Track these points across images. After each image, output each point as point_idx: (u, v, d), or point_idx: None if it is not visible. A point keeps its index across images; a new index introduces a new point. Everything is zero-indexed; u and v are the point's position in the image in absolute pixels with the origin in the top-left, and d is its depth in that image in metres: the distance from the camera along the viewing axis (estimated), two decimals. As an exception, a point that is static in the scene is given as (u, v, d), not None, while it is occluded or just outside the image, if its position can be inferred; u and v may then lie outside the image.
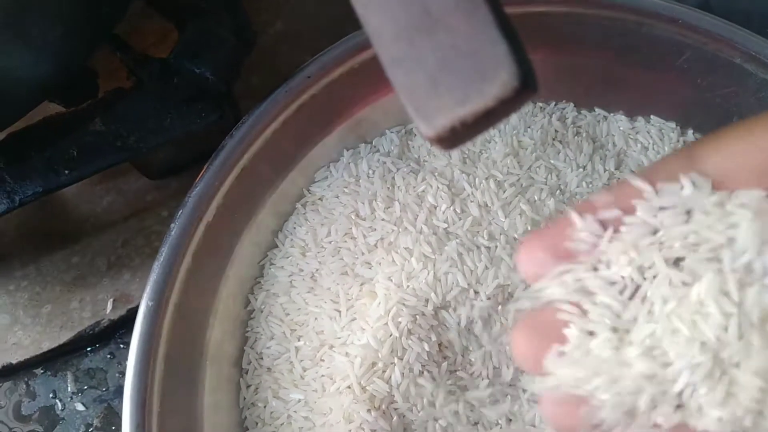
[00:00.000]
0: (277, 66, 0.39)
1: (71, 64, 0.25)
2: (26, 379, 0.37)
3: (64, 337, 0.36)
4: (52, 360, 0.37)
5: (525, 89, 0.12)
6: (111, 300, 0.36)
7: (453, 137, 0.13)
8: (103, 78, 0.33)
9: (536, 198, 0.28)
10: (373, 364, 0.24)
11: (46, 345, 0.36)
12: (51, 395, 0.37)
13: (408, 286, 0.25)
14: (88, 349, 0.37)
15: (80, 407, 0.36)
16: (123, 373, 0.37)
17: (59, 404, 0.36)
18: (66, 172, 0.27)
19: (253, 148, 0.27)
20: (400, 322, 0.24)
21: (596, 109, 0.31)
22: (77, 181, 0.27)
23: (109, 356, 0.38)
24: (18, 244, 0.37)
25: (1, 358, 0.35)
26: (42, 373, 0.37)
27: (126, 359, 0.37)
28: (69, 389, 0.37)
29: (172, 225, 0.25)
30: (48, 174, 0.27)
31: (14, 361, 0.35)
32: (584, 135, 0.30)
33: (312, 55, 0.30)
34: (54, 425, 0.36)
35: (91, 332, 0.36)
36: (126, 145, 0.27)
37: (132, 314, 0.36)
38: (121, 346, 0.37)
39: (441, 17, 0.12)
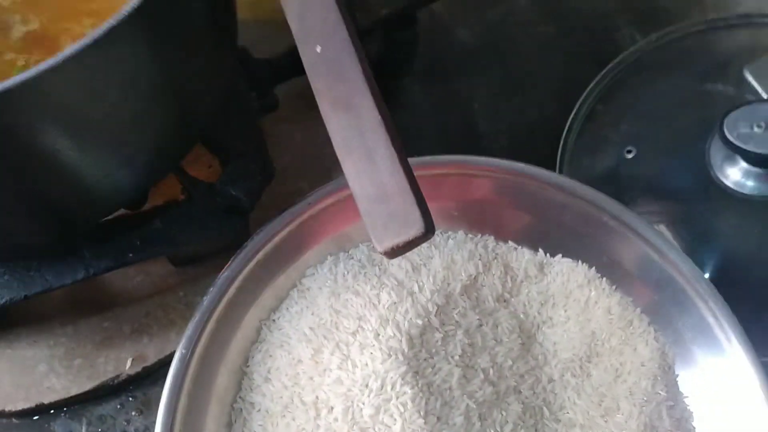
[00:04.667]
0: (282, 189, 0.51)
1: (149, 183, 0.36)
2: (49, 420, 0.45)
3: (89, 385, 0.44)
4: (75, 404, 0.45)
5: (427, 232, 0.24)
6: (130, 359, 0.45)
7: (392, 253, 0.24)
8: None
9: (463, 293, 0.39)
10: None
11: (74, 391, 0.44)
12: (67, 435, 0.44)
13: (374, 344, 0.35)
14: (103, 398, 0.45)
15: (90, 448, 0.44)
16: (128, 422, 0.45)
17: (73, 444, 0.44)
18: (130, 255, 0.37)
19: (265, 249, 0.38)
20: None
21: (510, 242, 0.43)
22: (138, 262, 0.37)
23: (119, 406, 0.46)
24: (61, 308, 0.46)
25: (36, 398, 0.43)
26: (62, 416, 0.45)
27: (133, 410, 0.46)
28: (83, 431, 0.45)
29: (204, 297, 0.36)
30: (117, 255, 0.37)
31: (46, 401, 0.43)
32: (499, 260, 0.42)
33: (308, 184, 0.42)
34: (65, 461, 0.43)
35: (111, 384, 0.44)
36: (177, 241, 0.37)
37: (146, 372, 0.45)
38: (130, 398, 0.46)
39: (391, 196, 0.24)
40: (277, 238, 0.38)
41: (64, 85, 0.27)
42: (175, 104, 0.33)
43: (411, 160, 0.41)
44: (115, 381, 0.44)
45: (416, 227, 0.24)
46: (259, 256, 0.38)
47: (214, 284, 0.36)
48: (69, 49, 0.26)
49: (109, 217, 0.38)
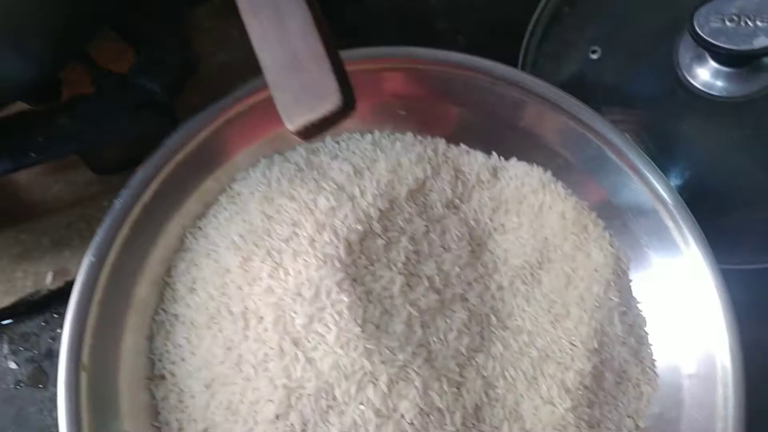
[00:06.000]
0: (215, 89, 0.46)
1: (49, 72, 0.32)
2: (-33, 339, 0.42)
3: (7, 301, 0.41)
4: (-8, 323, 0.42)
5: (347, 107, 0.20)
6: (51, 273, 0.41)
7: (306, 132, 0.21)
8: (66, 85, 0.40)
9: (409, 198, 0.36)
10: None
11: (-11, 307, 0.41)
12: (-12, 353, 0.41)
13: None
14: (25, 315, 0.42)
15: (13, 365, 0.41)
16: (54, 339, 0.43)
17: (-6, 361, 0.41)
18: (33, 155, 0.33)
19: (187, 147, 0.34)
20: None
21: (461, 145, 0.40)
22: (42, 162, 0.33)
23: (43, 323, 0.43)
24: (-30, 220, 0.43)
25: (-52, 316, 0.40)
26: (-19, 335, 0.42)
27: (59, 327, 0.43)
28: (4, 350, 0.42)
29: (116, 200, 0.32)
30: (18, 155, 0.33)
31: (-41, 319, 0.40)
32: (450, 163, 0.39)
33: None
34: (-14, 379, 0.41)
35: (30, 299, 0.41)
36: (84, 139, 0.33)
37: (69, 287, 0.42)
38: (55, 315, 0.43)
39: (304, 63, 0.20)
40: (200, 136, 0.34)
41: None
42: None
43: (351, 52, 0.37)
44: (35, 297, 0.41)
45: (333, 100, 0.20)
46: (180, 156, 0.34)
47: (126, 186, 0.32)
48: None
49: (6, 113, 0.34)
